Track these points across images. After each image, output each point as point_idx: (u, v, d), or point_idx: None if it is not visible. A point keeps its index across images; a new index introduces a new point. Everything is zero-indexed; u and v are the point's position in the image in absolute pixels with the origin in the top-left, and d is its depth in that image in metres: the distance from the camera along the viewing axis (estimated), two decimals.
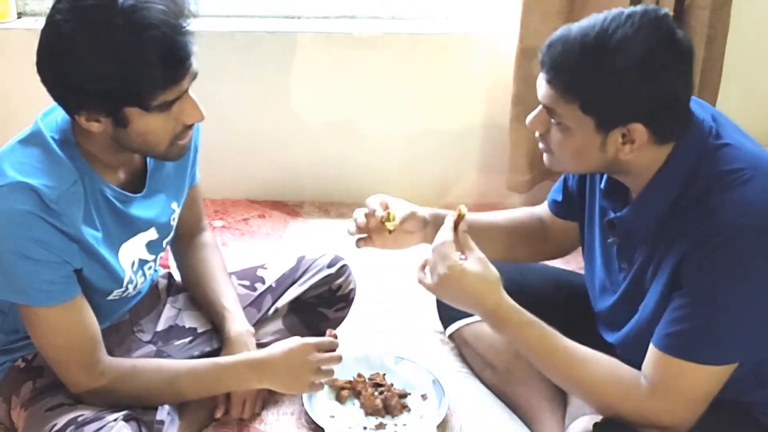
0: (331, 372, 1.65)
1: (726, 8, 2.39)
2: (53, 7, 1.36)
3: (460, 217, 1.51)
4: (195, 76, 1.41)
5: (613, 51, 1.29)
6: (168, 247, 1.73)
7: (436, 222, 1.65)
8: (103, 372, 1.50)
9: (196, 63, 1.39)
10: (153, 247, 1.63)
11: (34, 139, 1.44)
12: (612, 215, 1.48)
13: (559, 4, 2.40)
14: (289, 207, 2.81)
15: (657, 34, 1.30)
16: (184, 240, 1.82)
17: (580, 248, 1.71)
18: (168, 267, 1.94)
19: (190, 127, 1.46)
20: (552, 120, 1.39)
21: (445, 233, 1.49)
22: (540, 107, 1.41)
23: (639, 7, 1.33)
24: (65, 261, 1.42)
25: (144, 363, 1.59)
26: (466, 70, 2.69)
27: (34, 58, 2.75)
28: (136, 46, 1.31)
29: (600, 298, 1.60)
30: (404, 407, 1.79)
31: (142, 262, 1.62)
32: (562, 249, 1.82)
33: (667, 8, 1.93)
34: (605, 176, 1.50)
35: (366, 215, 1.66)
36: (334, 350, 1.65)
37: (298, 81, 2.71)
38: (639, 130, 1.32)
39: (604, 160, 1.38)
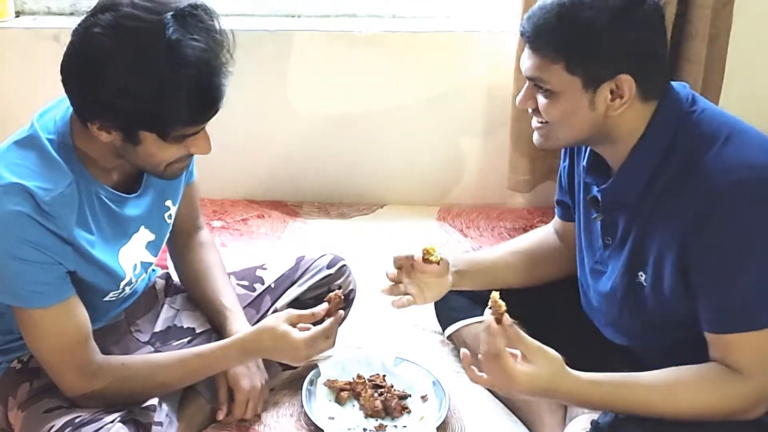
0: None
1: (728, 7, 2.38)
2: (92, 16, 1.34)
3: (500, 314, 1.37)
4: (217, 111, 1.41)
5: (588, 6, 1.35)
6: (165, 247, 1.72)
7: (459, 267, 1.70)
8: (96, 373, 1.49)
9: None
10: (154, 247, 1.63)
11: (30, 140, 1.43)
12: (595, 191, 1.52)
13: None
14: (288, 207, 2.80)
15: None
16: (182, 238, 1.81)
17: None
18: (166, 267, 1.93)
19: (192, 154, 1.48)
20: (540, 91, 1.43)
21: (494, 342, 1.36)
22: (527, 84, 1.46)
23: None
24: (58, 262, 1.41)
25: (133, 361, 1.58)
26: (467, 68, 2.68)
27: (33, 57, 2.75)
28: (174, 80, 1.31)
29: (594, 284, 1.60)
30: (404, 408, 1.78)
31: (145, 265, 1.62)
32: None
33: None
34: (587, 154, 1.55)
35: (400, 265, 1.63)
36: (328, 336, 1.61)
37: (298, 80, 2.70)
38: (627, 81, 1.37)
39: (594, 121, 1.42)
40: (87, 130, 1.40)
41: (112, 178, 1.51)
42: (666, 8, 2.31)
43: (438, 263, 1.60)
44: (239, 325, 1.69)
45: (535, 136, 1.52)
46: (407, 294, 1.64)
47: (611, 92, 1.39)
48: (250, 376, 1.69)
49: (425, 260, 1.59)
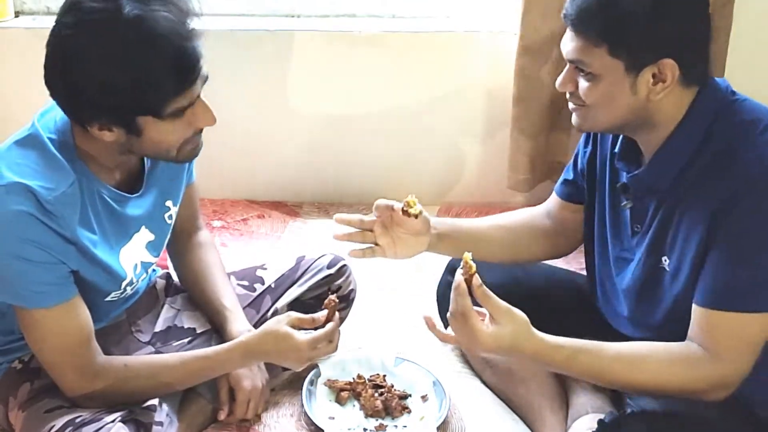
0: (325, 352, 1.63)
1: (728, 7, 2.38)
2: (57, 22, 1.35)
3: (470, 275, 1.41)
4: (206, 79, 1.41)
5: None
6: (165, 247, 1.72)
7: (440, 230, 1.69)
8: (97, 374, 1.49)
9: (206, 66, 1.40)
10: (154, 248, 1.63)
11: (31, 140, 1.43)
12: (625, 178, 1.53)
13: (559, 2, 2.36)
14: (288, 207, 2.80)
15: None
16: (181, 239, 1.81)
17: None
18: (167, 267, 1.93)
19: (200, 130, 1.47)
20: (581, 74, 1.43)
21: (462, 300, 1.41)
22: (567, 67, 1.46)
23: None
24: (61, 261, 1.41)
25: (135, 362, 1.58)
26: (467, 68, 2.68)
27: (33, 57, 2.74)
28: (147, 56, 1.31)
29: (618, 275, 1.60)
30: (404, 408, 1.77)
31: (146, 265, 1.62)
32: (569, 243, 1.81)
33: None
34: (619, 141, 1.54)
35: (380, 213, 1.62)
36: (330, 340, 1.61)
37: (298, 80, 2.70)
38: (670, 65, 1.37)
39: (635, 105, 1.41)
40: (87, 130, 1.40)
41: (115, 177, 1.51)
42: None
43: (416, 217, 1.59)
44: (239, 325, 1.69)
45: (574, 118, 1.51)
46: (376, 245, 1.63)
47: (653, 76, 1.39)
48: (252, 377, 1.69)
49: (404, 212, 1.58)
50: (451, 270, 1.95)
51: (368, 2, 2.73)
